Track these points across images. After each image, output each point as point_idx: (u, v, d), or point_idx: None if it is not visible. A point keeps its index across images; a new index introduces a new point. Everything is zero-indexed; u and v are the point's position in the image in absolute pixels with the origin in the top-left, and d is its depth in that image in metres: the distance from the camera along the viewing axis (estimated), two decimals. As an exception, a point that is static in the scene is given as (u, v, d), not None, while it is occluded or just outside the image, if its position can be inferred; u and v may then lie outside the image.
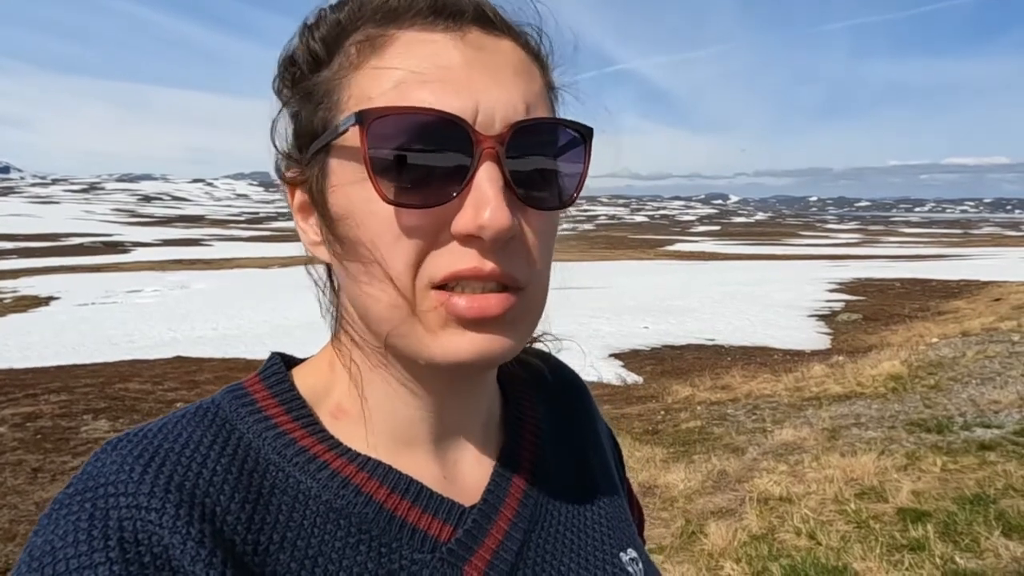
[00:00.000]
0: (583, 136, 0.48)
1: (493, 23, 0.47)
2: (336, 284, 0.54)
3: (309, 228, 0.51)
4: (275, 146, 0.52)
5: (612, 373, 10.74)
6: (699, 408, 7.84)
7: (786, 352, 12.34)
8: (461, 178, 0.43)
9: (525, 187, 0.45)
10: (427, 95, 0.43)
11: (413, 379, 0.50)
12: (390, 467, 0.50)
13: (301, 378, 0.53)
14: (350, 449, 0.49)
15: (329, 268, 0.54)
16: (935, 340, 10.37)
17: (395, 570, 0.47)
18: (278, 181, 0.54)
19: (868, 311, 16.73)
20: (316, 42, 0.48)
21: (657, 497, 4.86)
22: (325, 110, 0.47)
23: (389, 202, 0.43)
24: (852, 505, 4.23)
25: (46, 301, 20.18)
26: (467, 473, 0.55)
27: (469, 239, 0.44)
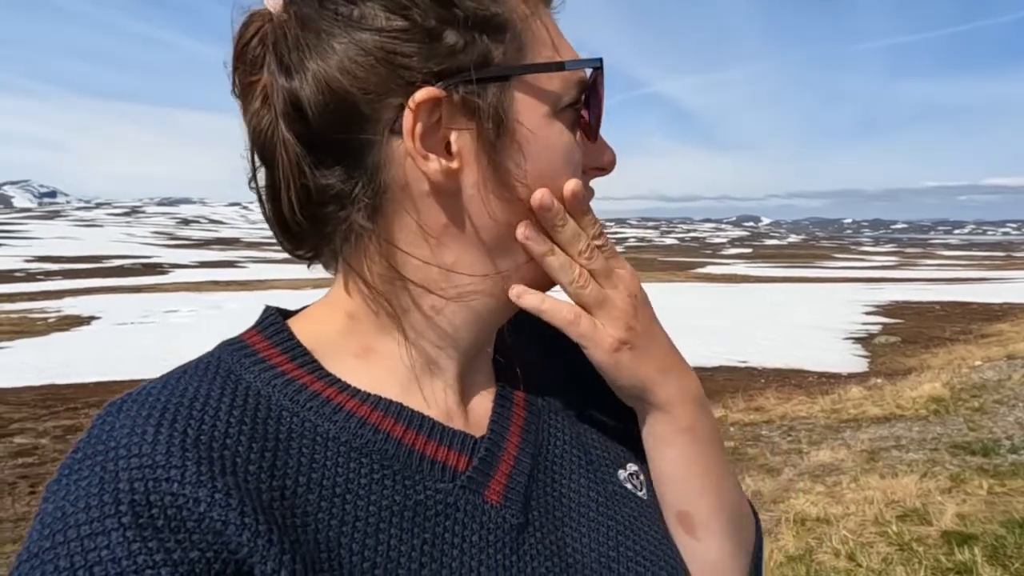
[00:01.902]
0: None
1: None
2: (390, 230, 0.50)
3: (439, 155, 0.47)
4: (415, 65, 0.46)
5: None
6: (732, 429, 7.68)
7: (821, 374, 12.06)
8: (597, 124, 0.54)
9: None
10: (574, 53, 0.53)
11: (490, 309, 0.54)
12: (402, 405, 0.51)
13: (301, 327, 0.53)
14: (360, 390, 0.50)
15: (372, 218, 0.49)
16: (978, 363, 10.04)
17: (421, 500, 0.48)
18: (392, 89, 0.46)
19: (907, 334, 16.29)
20: None
21: (690, 517, 4.76)
22: (508, 44, 0.48)
23: (590, 136, 0.54)
24: (894, 527, 4.08)
25: (88, 320, 20.75)
26: (473, 405, 0.57)
27: (595, 172, 0.56)
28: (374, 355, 0.52)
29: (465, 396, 0.57)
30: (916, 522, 4.18)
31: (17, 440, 7.68)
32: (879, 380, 10.09)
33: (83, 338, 17.23)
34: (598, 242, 0.55)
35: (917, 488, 4.68)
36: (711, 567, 0.61)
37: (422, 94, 0.45)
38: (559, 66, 0.50)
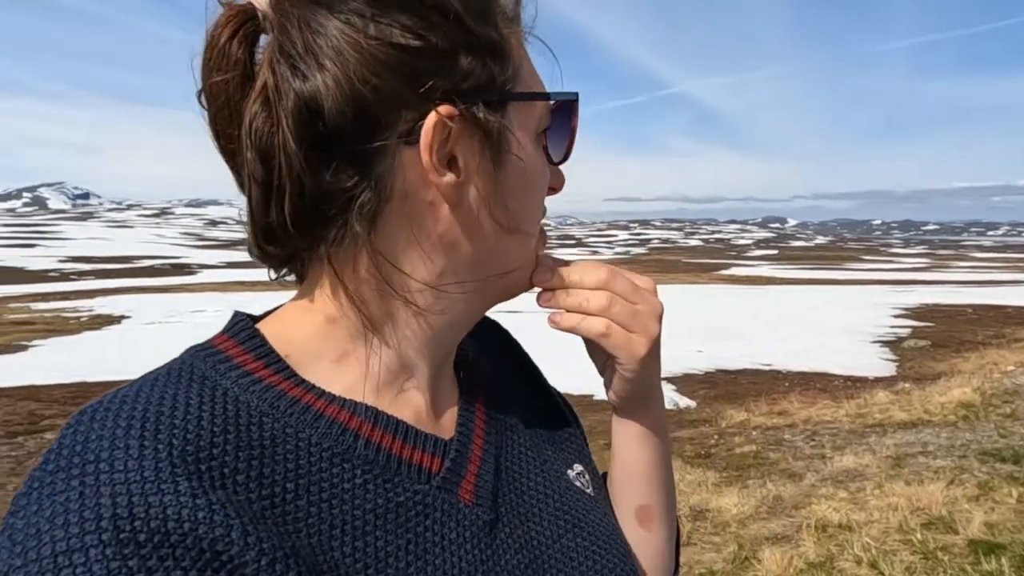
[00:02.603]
0: None
1: None
2: (374, 239, 0.50)
3: (448, 172, 0.49)
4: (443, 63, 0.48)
5: (664, 396, 10.52)
6: (754, 433, 7.59)
7: (847, 378, 11.86)
8: None
9: None
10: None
11: (463, 317, 0.56)
12: (378, 410, 0.52)
13: (272, 331, 0.53)
14: (336, 396, 0.50)
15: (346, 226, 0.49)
16: (1011, 368, 9.79)
17: (402, 502, 0.50)
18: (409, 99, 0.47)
19: (936, 337, 15.95)
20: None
21: (709, 521, 4.71)
22: (505, 67, 0.51)
23: (556, 164, 0.59)
24: (918, 535, 4.00)
25: (118, 320, 21.21)
26: (440, 409, 0.59)
27: (552, 191, 0.60)
28: (350, 359, 0.53)
29: (435, 399, 0.58)
30: (942, 530, 4.09)
31: (47, 436, 7.88)
32: (907, 385, 9.89)
33: (113, 337, 17.62)
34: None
35: (944, 495, 4.57)
36: (656, 555, 0.70)
37: (443, 110, 0.47)
38: (547, 96, 0.55)
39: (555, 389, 0.78)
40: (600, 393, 0.80)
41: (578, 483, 0.66)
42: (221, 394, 0.46)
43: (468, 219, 0.52)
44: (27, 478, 0.40)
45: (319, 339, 0.52)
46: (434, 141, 0.47)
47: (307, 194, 0.47)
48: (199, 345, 0.50)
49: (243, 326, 0.52)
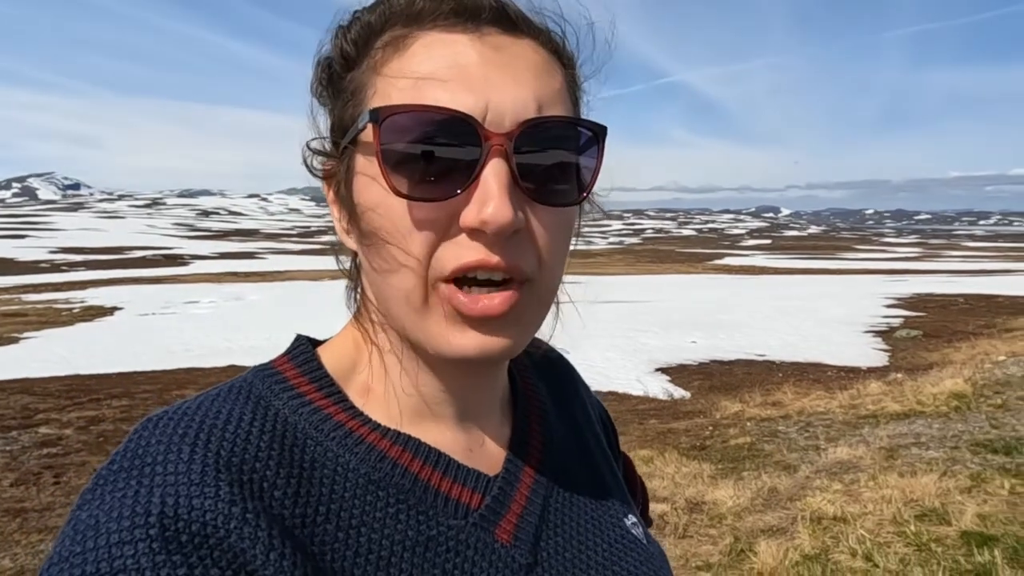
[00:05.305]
0: (596, 134, 0.49)
1: (513, 23, 0.49)
2: (360, 269, 0.56)
3: (342, 218, 0.53)
4: (309, 144, 0.56)
5: (659, 387, 10.58)
6: (749, 424, 7.64)
7: (840, 369, 11.93)
8: (469, 173, 0.45)
9: (536, 183, 0.47)
10: (441, 93, 0.45)
11: (433, 363, 0.53)
12: (420, 440, 0.52)
13: (327, 357, 0.55)
14: (380, 424, 0.52)
15: (355, 254, 0.56)
16: (1002, 358, 9.87)
17: (433, 536, 0.49)
18: (314, 176, 0.56)
19: (929, 327, 16.05)
20: (348, 44, 0.51)
21: (705, 514, 4.75)
22: (353, 107, 0.50)
23: (399, 195, 0.45)
24: (912, 527, 4.04)
25: (111, 311, 21.09)
26: (488, 445, 0.58)
27: (475, 232, 0.45)
28: (372, 395, 0.54)
29: (481, 435, 0.58)
30: (935, 522, 4.13)
31: (42, 430, 7.84)
32: (899, 375, 9.96)
33: (107, 328, 17.52)
34: None
35: (936, 487, 4.62)
36: None
37: (324, 168, 0.54)
38: (355, 128, 0.47)
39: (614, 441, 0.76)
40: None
41: (635, 532, 0.64)
42: (272, 414, 0.49)
43: (364, 263, 0.53)
44: (94, 475, 0.44)
45: (358, 368, 0.55)
46: (329, 196, 0.54)
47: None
48: (262, 365, 0.53)
49: (303, 350, 0.55)
